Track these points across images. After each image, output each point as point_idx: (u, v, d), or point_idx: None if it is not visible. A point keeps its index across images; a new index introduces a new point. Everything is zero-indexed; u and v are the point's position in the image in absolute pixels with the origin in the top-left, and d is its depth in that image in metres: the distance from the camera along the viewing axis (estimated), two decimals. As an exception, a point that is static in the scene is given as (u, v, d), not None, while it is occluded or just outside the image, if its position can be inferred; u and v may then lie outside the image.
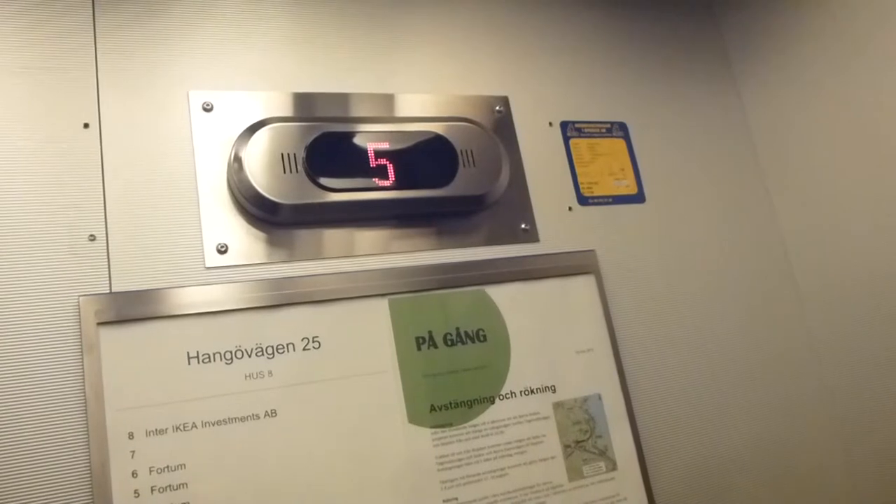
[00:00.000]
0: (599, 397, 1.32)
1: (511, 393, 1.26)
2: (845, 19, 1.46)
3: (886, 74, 1.39)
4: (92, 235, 1.10)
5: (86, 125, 1.15)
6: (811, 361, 1.56)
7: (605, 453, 1.29)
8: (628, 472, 1.30)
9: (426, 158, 1.30)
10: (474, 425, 1.22)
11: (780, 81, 1.62)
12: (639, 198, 1.51)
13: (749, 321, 1.53)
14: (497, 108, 1.45)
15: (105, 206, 1.12)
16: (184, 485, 1.02)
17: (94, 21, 1.20)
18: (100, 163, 1.14)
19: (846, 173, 1.48)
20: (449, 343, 1.25)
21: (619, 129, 1.54)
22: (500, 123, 1.44)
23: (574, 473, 1.26)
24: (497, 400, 1.25)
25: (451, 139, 1.32)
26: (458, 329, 1.26)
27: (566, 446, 1.27)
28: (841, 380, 1.52)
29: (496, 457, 1.22)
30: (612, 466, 1.29)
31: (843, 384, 1.52)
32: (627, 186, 1.51)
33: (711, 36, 1.76)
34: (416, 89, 1.40)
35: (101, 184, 1.13)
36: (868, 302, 1.46)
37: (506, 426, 1.24)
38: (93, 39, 1.19)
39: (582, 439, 1.28)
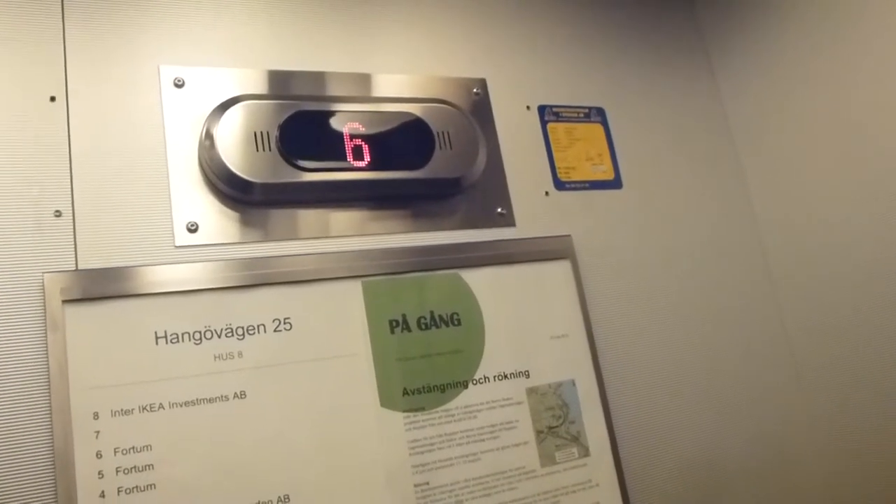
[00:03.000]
0: (573, 383, 1.32)
1: (485, 378, 1.25)
2: (821, 10, 1.46)
3: (861, 64, 1.39)
4: (58, 211, 1.07)
5: (52, 98, 1.12)
6: (784, 350, 1.57)
7: (577, 439, 1.29)
8: (601, 459, 1.30)
9: (402, 140, 1.28)
10: (447, 410, 1.21)
11: (756, 70, 1.62)
12: (616, 183, 1.50)
13: (724, 309, 1.53)
14: (475, 90, 1.43)
15: (71, 182, 1.09)
16: (150, 466, 1.00)
17: (62, -9, 1.17)
18: (66, 137, 1.11)
19: (822, 161, 1.48)
20: (423, 327, 1.24)
21: (596, 115, 1.53)
22: (477, 106, 1.43)
23: (546, 459, 1.25)
24: (470, 384, 1.24)
25: (427, 121, 1.31)
26: (432, 313, 1.25)
27: (539, 432, 1.26)
28: (814, 369, 1.53)
29: (468, 441, 1.21)
30: (585, 452, 1.29)
31: (816, 373, 1.53)
32: (604, 172, 1.50)
33: (689, 23, 1.75)
34: (394, 69, 1.38)
35: (68, 159, 1.10)
36: (842, 291, 1.46)
37: (479, 411, 1.23)
38: (60, 10, 1.16)
39: (555, 425, 1.28)
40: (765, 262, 1.62)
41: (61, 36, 1.15)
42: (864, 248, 1.41)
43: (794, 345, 1.57)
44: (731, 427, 1.46)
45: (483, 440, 1.22)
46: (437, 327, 1.24)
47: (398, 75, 1.38)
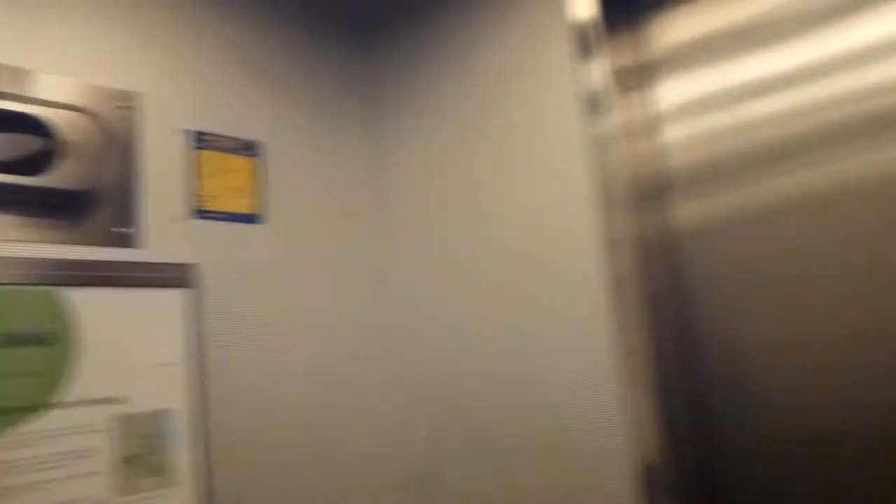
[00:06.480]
0: (172, 412, 1.30)
1: (68, 402, 1.20)
2: (473, 85, 1.59)
3: (501, 141, 1.53)
4: None
5: None
6: (395, 378, 1.68)
7: (165, 468, 1.27)
8: (189, 488, 1.29)
9: (17, 142, 1.21)
10: (16, 435, 1.14)
11: (410, 123, 1.73)
12: (258, 219, 1.52)
13: (344, 354, 1.61)
14: (122, 103, 1.38)
15: None
16: None
17: None
18: None
19: (454, 216, 1.61)
20: None
21: (252, 148, 1.54)
22: (122, 120, 1.38)
23: (124, 489, 1.22)
24: (49, 409, 1.18)
25: (51, 125, 1.24)
26: (12, 330, 1.17)
27: (123, 459, 1.23)
28: (416, 392, 1.65)
29: (37, 469, 1.15)
30: (171, 482, 1.27)
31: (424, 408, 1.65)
32: (248, 206, 1.51)
33: (358, 68, 1.83)
34: (37, 67, 1.29)
35: None
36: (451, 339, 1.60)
37: (54, 437, 1.18)
38: None
39: (143, 454, 1.25)
40: (391, 304, 1.71)
41: None
42: (485, 299, 1.55)
43: (406, 377, 1.68)
44: (337, 457, 1.53)
45: (54, 468, 1.17)
46: (14, 346, 1.17)
47: (40, 73, 1.28)
